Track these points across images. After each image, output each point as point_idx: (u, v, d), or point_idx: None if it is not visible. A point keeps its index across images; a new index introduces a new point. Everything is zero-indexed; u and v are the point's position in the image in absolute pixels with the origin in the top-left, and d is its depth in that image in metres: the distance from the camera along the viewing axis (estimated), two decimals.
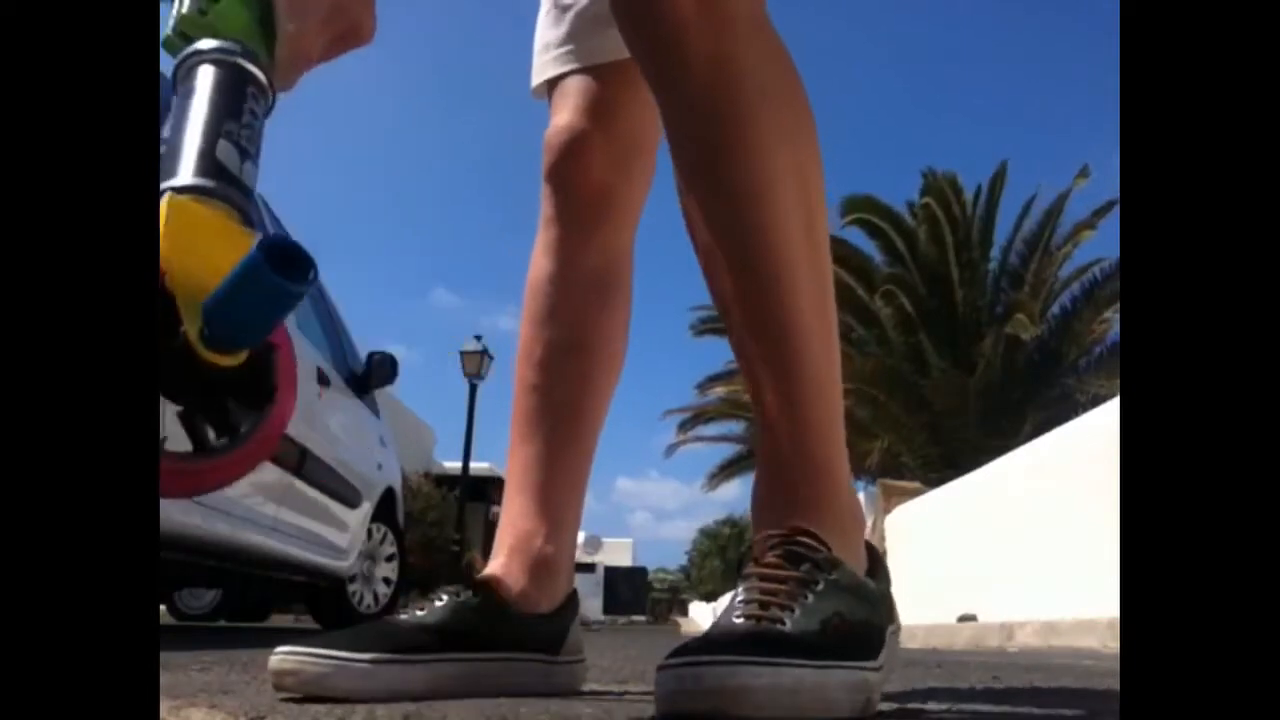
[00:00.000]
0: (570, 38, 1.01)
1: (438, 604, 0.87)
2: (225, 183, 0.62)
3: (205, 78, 0.65)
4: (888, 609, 0.74)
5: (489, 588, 0.90)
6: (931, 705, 0.85)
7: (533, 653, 0.91)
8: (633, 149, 1.01)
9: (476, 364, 11.23)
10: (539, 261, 1.02)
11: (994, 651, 3.85)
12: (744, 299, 0.75)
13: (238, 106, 0.65)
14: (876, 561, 0.79)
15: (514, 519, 0.96)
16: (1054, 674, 1.58)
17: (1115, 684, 1.23)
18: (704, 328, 14.40)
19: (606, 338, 1.03)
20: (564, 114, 1.00)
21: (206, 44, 0.67)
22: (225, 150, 0.63)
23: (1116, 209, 11.96)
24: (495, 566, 0.93)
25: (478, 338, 11.40)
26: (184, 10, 0.67)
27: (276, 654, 0.78)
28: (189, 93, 0.65)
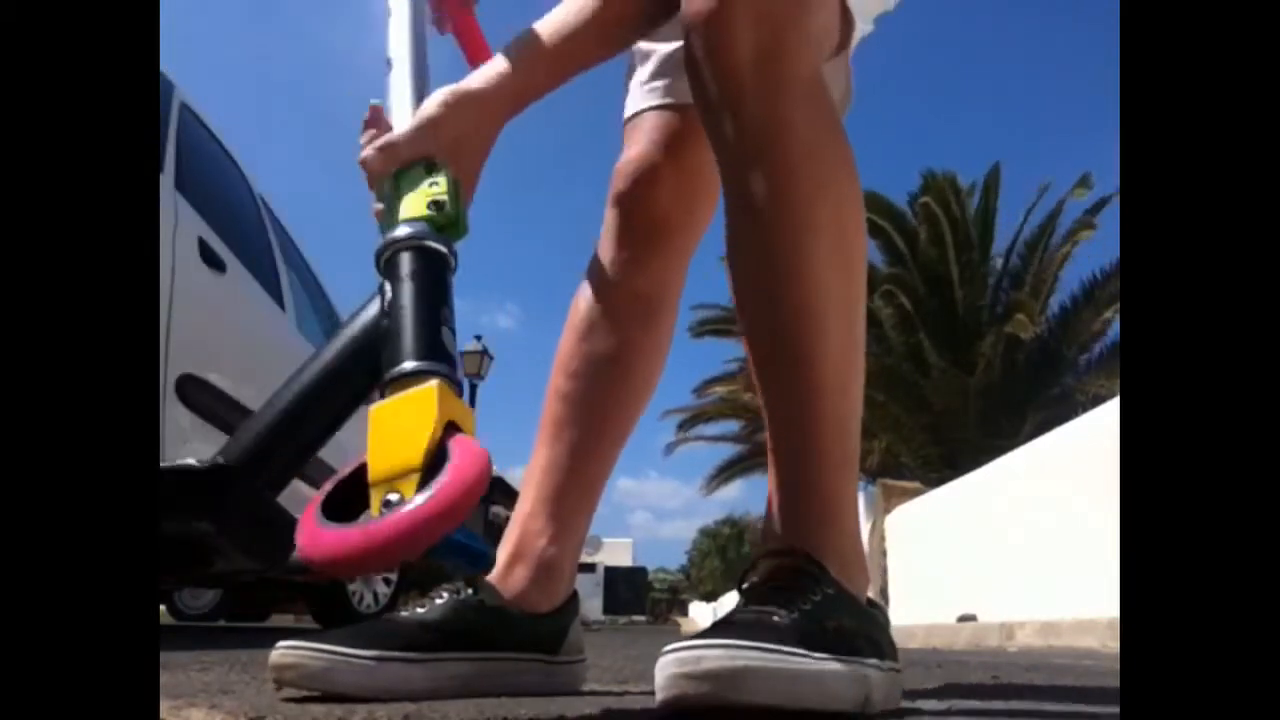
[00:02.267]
0: (655, 76, 1.06)
1: (438, 602, 0.87)
2: (449, 364, 0.70)
3: (412, 265, 0.73)
4: (888, 641, 0.74)
5: (488, 587, 0.91)
6: (931, 705, 0.85)
7: (532, 652, 0.91)
8: (700, 186, 1.04)
9: (476, 364, 11.22)
10: (592, 277, 1.05)
11: (994, 651, 3.85)
12: (771, 340, 0.78)
13: (446, 292, 0.73)
14: (876, 608, 0.80)
15: (523, 519, 0.98)
16: (1054, 674, 1.58)
17: (1115, 684, 1.23)
18: (703, 329, 14.38)
19: (644, 359, 1.06)
20: (638, 145, 1.04)
21: (402, 230, 0.75)
22: (446, 336, 0.71)
23: (1112, 205, 11.97)
24: (498, 566, 0.94)
25: (478, 338, 11.39)
26: (384, 219, 0.77)
27: (278, 649, 0.78)
28: (402, 279, 0.73)
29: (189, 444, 2.38)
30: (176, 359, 2.28)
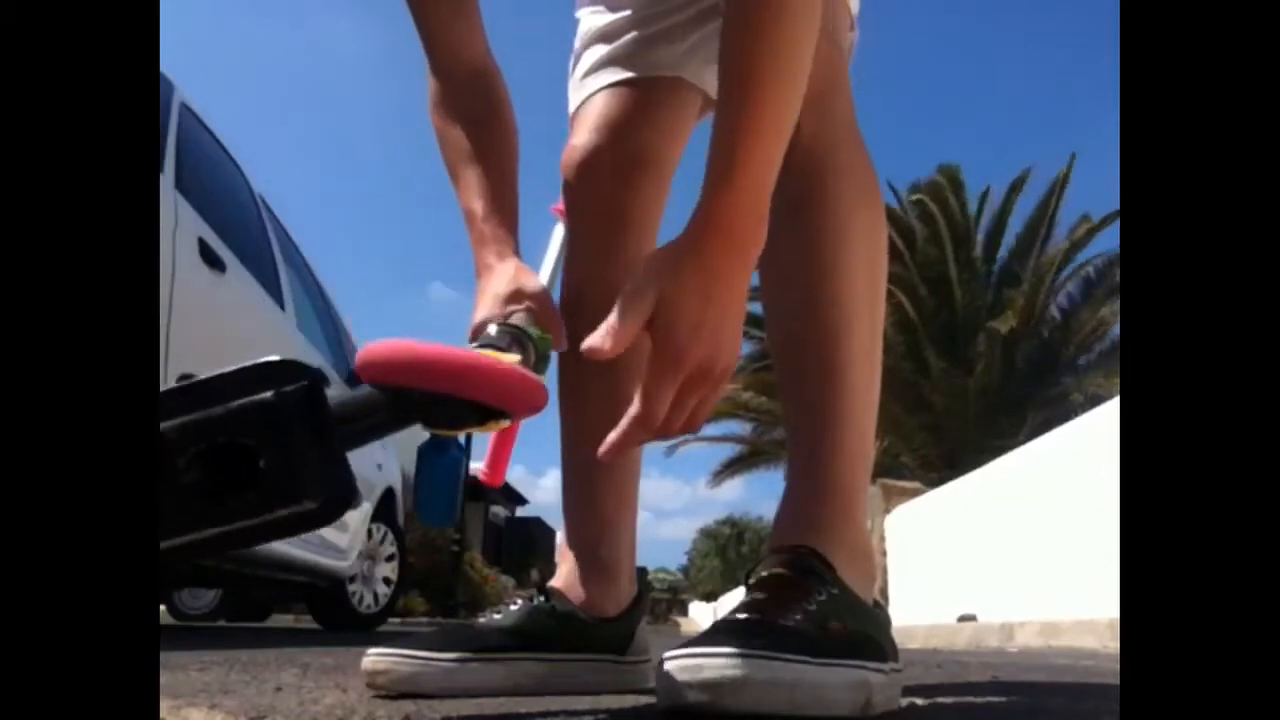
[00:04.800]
0: (605, 64, 1.08)
1: (512, 609, 0.94)
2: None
3: (517, 331, 0.85)
4: (889, 641, 0.75)
5: (558, 594, 0.97)
6: (931, 704, 0.85)
7: (601, 653, 0.97)
8: (639, 163, 1.05)
9: None
10: (567, 280, 1.07)
11: (994, 651, 3.85)
12: (804, 334, 0.84)
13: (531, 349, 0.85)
14: (880, 608, 0.81)
15: (572, 531, 1.03)
16: (1054, 674, 1.58)
17: (1115, 684, 1.23)
18: None
19: (635, 351, 1.06)
20: (578, 134, 1.06)
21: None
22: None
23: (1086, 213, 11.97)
24: (561, 575, 1.00)
25: None
26: None
27: (369, 655, 0.84)
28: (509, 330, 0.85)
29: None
30: (176, 359, 2.28)
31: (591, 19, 1.10)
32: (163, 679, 0.94)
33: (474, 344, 0.79)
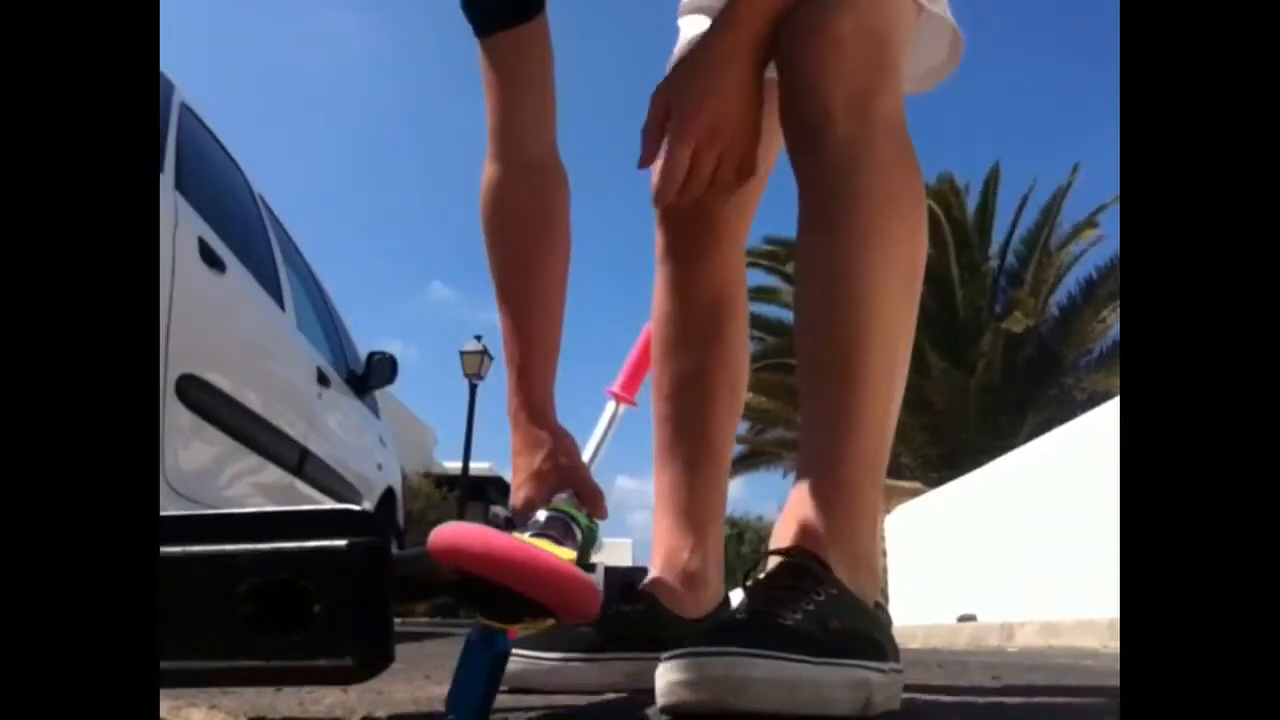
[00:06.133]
0: None
1: (608, 612, 0.97)
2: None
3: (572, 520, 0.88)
4: (890, 641, 0.75)
5: (648, 597, 1.01)
6: (931, 704, 0.85)
7: None
8: None
9: (476, 364, 11.21)
10: (659, 300, 1.11)
11: (994, 651, 3.85)
12: (826, 333, 0.82)
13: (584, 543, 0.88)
14: (880, 609, 0.81)
15: (663, 537, 1.08)
16: (1054, 674, 1.58)
17: (1115, 684, 1.23)
18: None
19: (725, 364, 1.11)
20: None
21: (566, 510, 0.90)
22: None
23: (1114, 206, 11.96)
24: (651, 579, 1.05)
25: (478, 338, 11.39)
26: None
27: None
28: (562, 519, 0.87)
29: (189, 444, 2.38)
30: (176, 359, 2.28)
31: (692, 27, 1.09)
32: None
33: (527, 533, 0.81)
